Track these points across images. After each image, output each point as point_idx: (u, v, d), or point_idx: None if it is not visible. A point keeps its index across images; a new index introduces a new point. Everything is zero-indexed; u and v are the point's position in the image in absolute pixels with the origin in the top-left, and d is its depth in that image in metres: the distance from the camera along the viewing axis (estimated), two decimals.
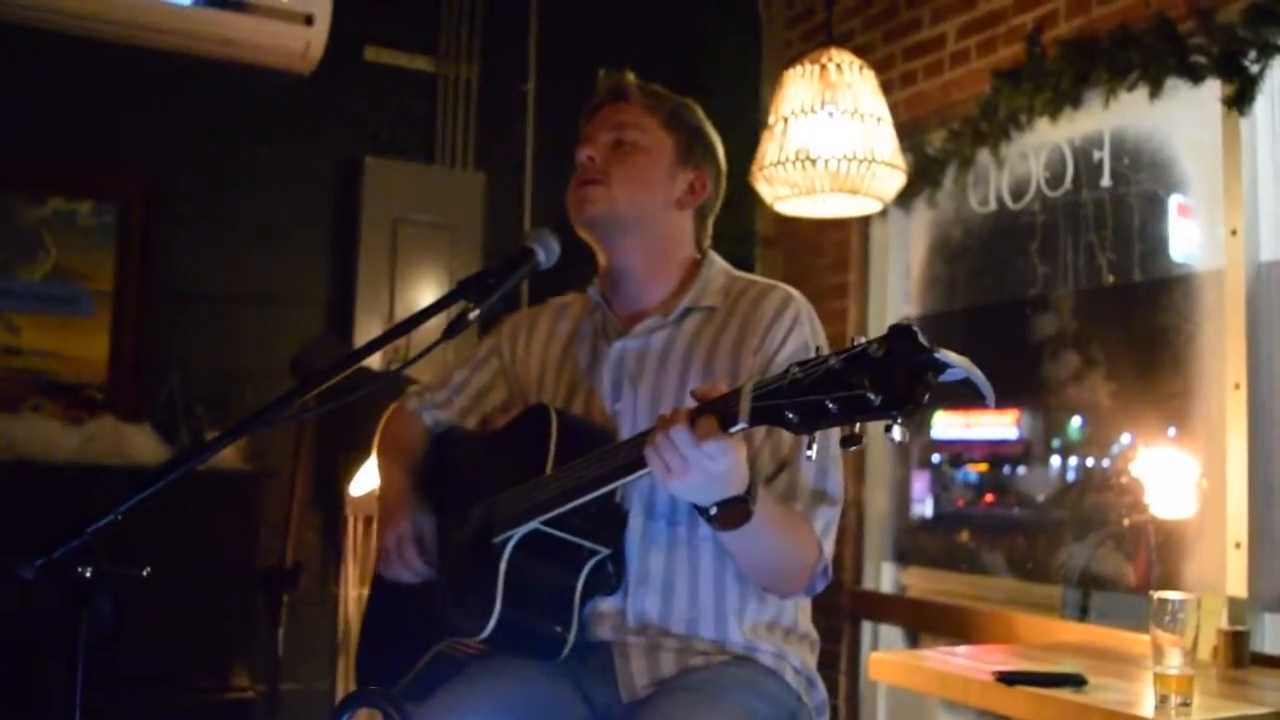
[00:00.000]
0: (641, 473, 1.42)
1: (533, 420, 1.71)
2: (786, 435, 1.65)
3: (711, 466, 1.35)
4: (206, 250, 3.89)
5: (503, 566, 1.60)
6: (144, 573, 1.54)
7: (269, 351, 3.83)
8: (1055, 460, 3.72)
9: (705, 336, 1.78)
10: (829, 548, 1.68)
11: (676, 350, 1.78)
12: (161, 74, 3.78)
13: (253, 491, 3.44)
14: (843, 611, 3.97)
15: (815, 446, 1.24)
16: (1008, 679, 2.32)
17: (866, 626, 3.98)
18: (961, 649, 2.86)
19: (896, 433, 1.13)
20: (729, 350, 1.74)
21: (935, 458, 4.03)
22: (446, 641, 1.76)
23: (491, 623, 1.58)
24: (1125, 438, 3.41)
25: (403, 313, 4.04)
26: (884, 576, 4.01)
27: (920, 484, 4.06)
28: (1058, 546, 3.56)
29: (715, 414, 1.32)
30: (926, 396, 1.11)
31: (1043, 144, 3.51)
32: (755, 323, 1.74)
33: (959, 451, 4.01)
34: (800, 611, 1.82)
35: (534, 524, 1.56)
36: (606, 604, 1.71)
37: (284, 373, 3.68)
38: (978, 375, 1.14)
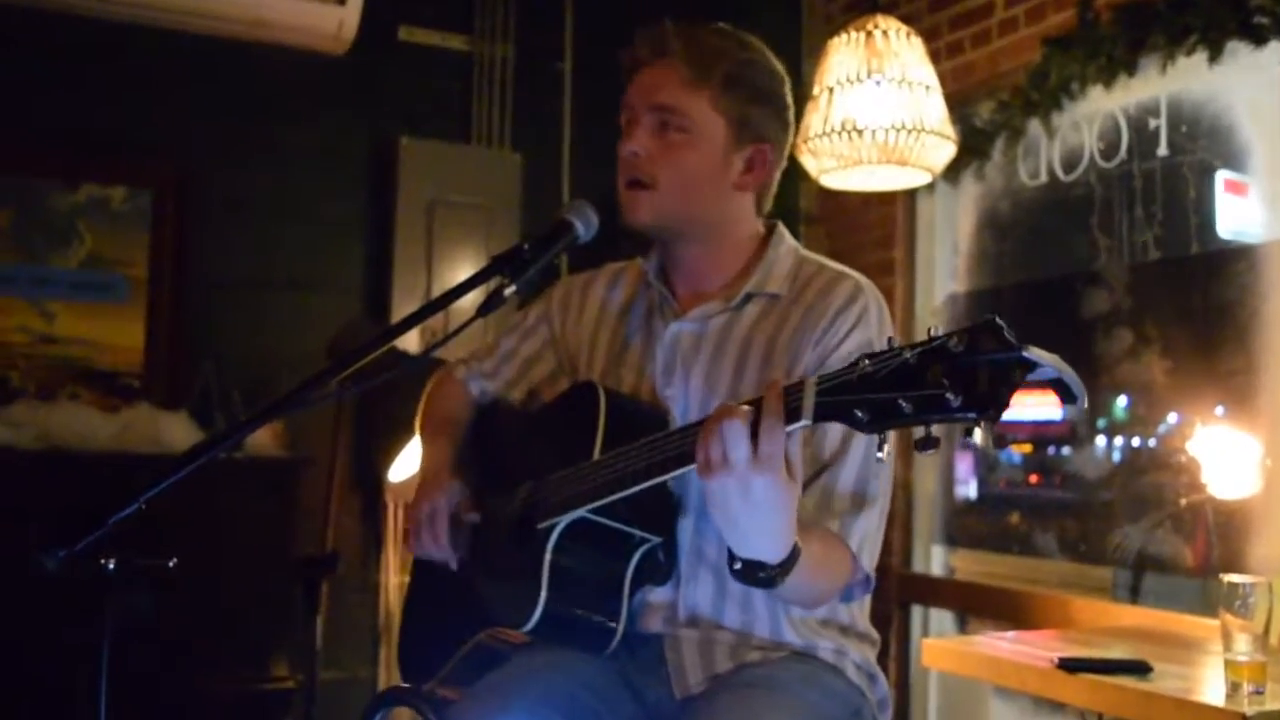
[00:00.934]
0: (693, 465, 1.30)
1: (581, 399, 1.63)
2: (830, 439, 1.56)
3: (755, 479, 1.20)
4: (241, 235, 3.85)
5: (548, 555, 1.52)
6: (170, 564, 1.48)
7: (305, 337, 3.79)
8: (1106, 440, 3.61)
9: (766, 326, 1.67)
10: (870, 558, 1.57)
11: (735, 338, 1.67)
12: (193, 57, 3.74)
13: (290, 477, 3.40)
14: (891, 596, 3.88)
15: (888, 446, 1.15)
16: (1069, 665, 2.23)
17: (916, 611, 3.89)
18: (1015, 634, 2.77)
19: (978, 436, 1.04)
20: (788, 341, 1.63)
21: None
22: (487, 631, 1.69)
23: (537, 613, 1.51)
24: (1180, 416, 3.29)
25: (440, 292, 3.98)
26: (934, 559, 3.92)
27: (964, 465, 3.96)
28: (1111, 528, 3.45)
29: (774, 411, 1.19)
30: (1012, 398, 1.02)
31: (1096, 113, 3.39)
32: (819, 313, 1.62)
33: (1004, 431, 3.90)
34: (859, 610, 1.73)
35: (581, 512, 1.49)
36: (657, 595, 1.63)
37: (321, 359, 3.64)
38: (1070, 375, 1.05)
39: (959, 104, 3.64)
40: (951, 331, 1.06)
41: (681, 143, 1.66)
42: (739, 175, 1.70)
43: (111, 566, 1.42)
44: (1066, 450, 3.72)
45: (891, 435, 1.44)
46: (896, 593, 3.88)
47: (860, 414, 1.11)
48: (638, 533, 1.56)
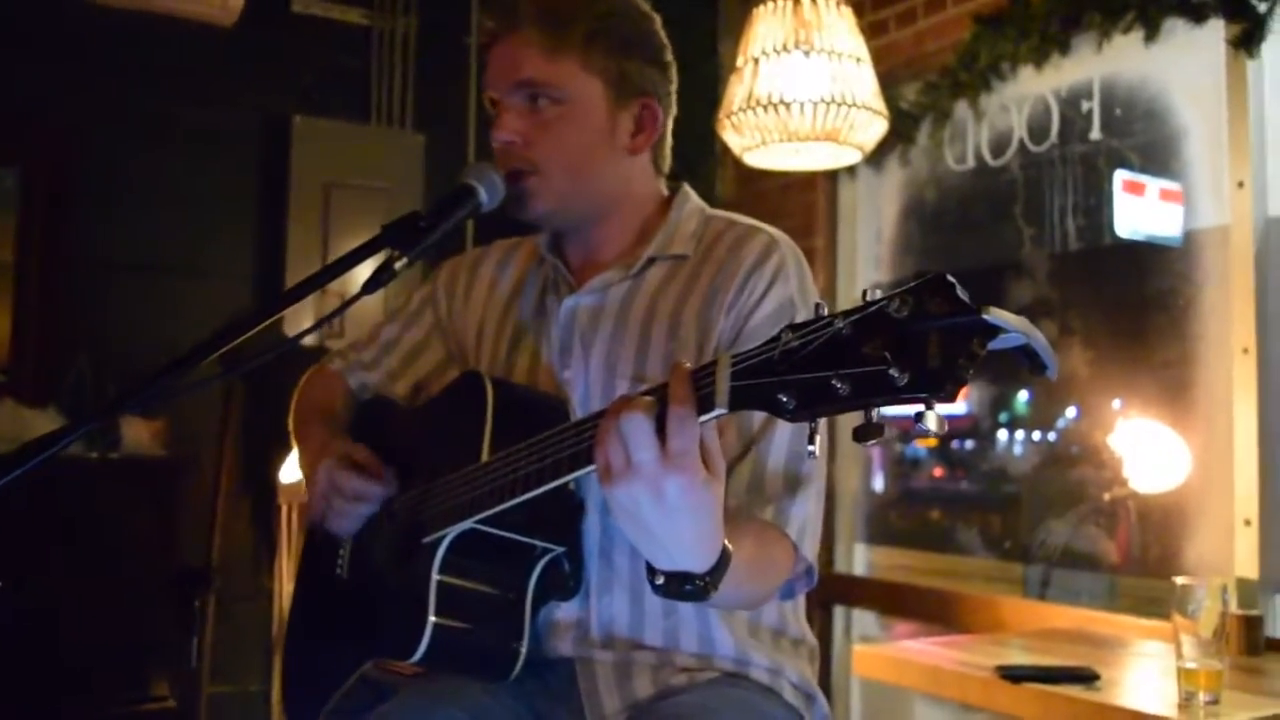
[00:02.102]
0: (591, 468, 1.09)
1: (467, 391, 1.42)
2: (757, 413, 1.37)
3: (666, 482, 0.99)
4: (120, 217, 3.56)
5: (434, 574, 1.32)
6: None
7: (190, 328, 3.47)
8: (1025, 433, 3.52)
9: (672, 290, 1.48)
10: (812, 546, 1.38)
11: (637, 307, 1.48)
12: (68, 24, 3.44)
13: (171, 480, 3.14)
14: (813, 596, 3.72)
15: (819, 439, 0.93)
16: (1012, 675, 2.09)
17: (839, 611, 3.76)
18: (946, 638, 2.64)
19: (931, 422, 0.84)
20: (699, 306, 1.44)
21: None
22: (374, 662, 1.48)
23: (424, 642, 1.30)
24: (1103, 409, 3.21)
25: (337, 284, 3.73)
26: (856, 558, 3.79)
27: (875, 459, 3.85)
28: (1035, 524, 3.36)
29: (682, 399, 0.99)
30: (971, 372, 0.82)
31: (1026, 95, 3.28)
32: (730, 272, 1.43)
33: (905, 428, 3.80)
34: (795, 613, 1.54)
35: (468, 523, 1.28)
36: (566, 612, 1.43)
37: None
38: (1040, 341, 0.85)
39: (884, 85, 3.48)
40: (894, 293, 0.86)
41: (557, 116, 1.46)
42: (629, 138, 1.51)
43: None
44: (990, 444, 3.63)
45: (823, 422, 1.26)
46: (818, 592, 3.73)
47: (785, 399, 0.91)
48: (538, 543, 1.36)
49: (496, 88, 1.48)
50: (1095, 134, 3.12)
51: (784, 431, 1.37)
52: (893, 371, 0.84)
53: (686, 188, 1.59)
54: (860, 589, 3.70)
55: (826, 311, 0.92)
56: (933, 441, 3.76)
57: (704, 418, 0.99)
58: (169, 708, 2.89)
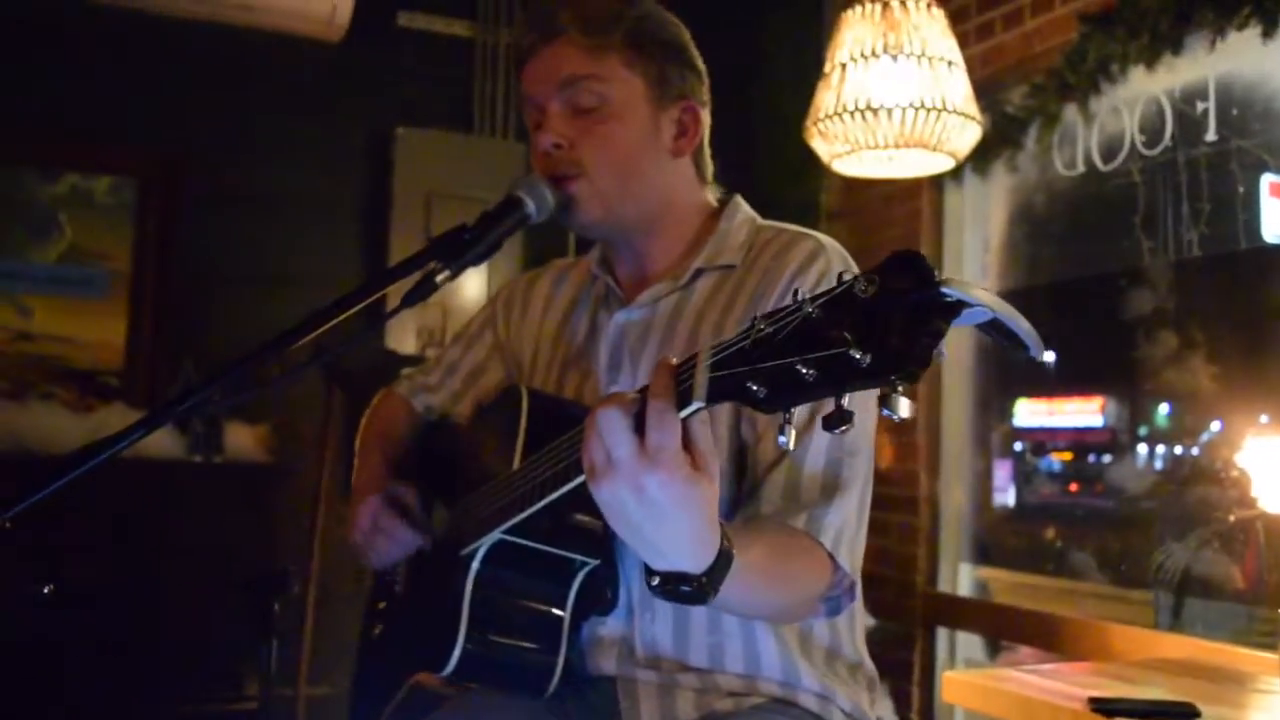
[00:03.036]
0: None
1: (506, 404, 1.41)
2: (799, 410, 1.31)
3: (646, 478, 0.96)
4: (229, 228, 3.67)
5: (468, 587, 1.30)
6: (45, 590, 1.29)
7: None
8: (1147, 450, 3.36)
9: (719, 300, 1.45)
10: (850, 558, 1.33)
11: (685, 319, 1.46)
12: (184, 44, 3.58)
13: (272, 485, 3.21)
14: (916, 616, 3.63)
15: (792, 430, 0.89)
16: (1103, 708, 1.97)
17: (942, 633, 3.64)
18: (1048, 666, 2.52)
19: (903, 407, 0.80)
20: (743, 314, 1.41)
21: (1017, 446, 3.68)
22: (421, 674, 1.47)
23: (455, 656, 1.28)
24: (1228, 425, 3.04)
25: (435, 297, 3.78)
26: (961, 578, 3.66)
27: (1002, 474, 3.72)
28: (1154, 546, 3.19)
29: (661, 392, 0.96)
30: (935, 351, 0.78)
31: (1137, 97, 3.13)
32: (774, 277, 1.40)
33: (1042, 440, 3.66)
34: (850, 634, 1.48)
35: (496, 534, 1.27)
36: (609, 629, 1.40)
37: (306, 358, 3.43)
38: (1012, 317, 0.81)
39: (990, 90, 3.40)
40: (863, 273, 0.82)
41: (602, 118, 1.44)
42: (673, 140, 1.49)
43: None
44: (1109, 460, 3.48)
45: (870, 407, 1.19)
46: (922, 613, 3.63)
47: (755, 388, 0.88)
48: (573, 556, 1.33)
49: (540, 91, 1.46)
50: (1211, 135, 2.96)
51: (819, 437, 1.33)
52: (854, 353, 0.80)
53: (738, 198, 1.56)
54: (964, 611, 3.58)
55: (805, 295, 0.88)
56: (1067, 455, 3.63)
57: (685, 412, 0.96)
58: (248, 709, 2.94)
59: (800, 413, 1.28)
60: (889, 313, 0.80)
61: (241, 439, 3.27)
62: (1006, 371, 3.61)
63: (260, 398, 2.90)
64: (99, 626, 2.77)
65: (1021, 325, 0.82)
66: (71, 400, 3.31)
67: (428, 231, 3.79)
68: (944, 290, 0.78)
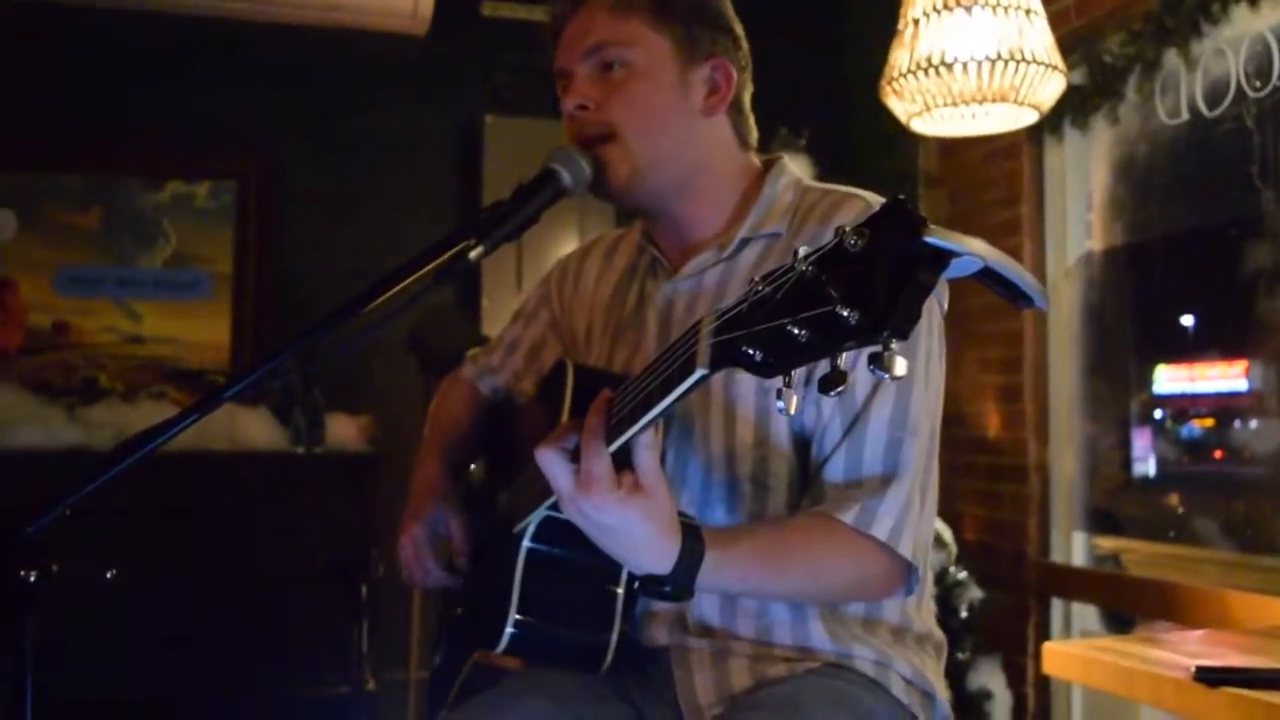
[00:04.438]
0: (633, 433, 1.07)
1: (555, 380, 1.40)
2: (861, 384, 1.29)
3: (583, 504, 1.10)
4: (326, 225, 3.75)
5: (519, 564, 1.30)
6: (109, 574, 1.33)
7: (392, 329, 3.65)
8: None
9: (766, 267, 1.38)
10: (912, 545, 1.29)
11: (733, 288, 1.41)
12: (272, 48, 3.66)
13: (372, 475, 3.27)
14: (1028, 587, 3.52)
15: (792, 394, 0.87)
16: (1209, 677, 1.87)
17: (1057, 605, 3.52)
18: (1160, 636, 2.41)
19: (898, 365, 0.77)
20: None
21: (1158, 413, 3.52)
22: (480, 652, 1.48)
23: (506, 632, 1.28)
24: None
25: (531, 280, 3.81)
26: (1075, 548, 3.54)
27: (1142, 443, 3.56)
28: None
29: (590, 427, 1.09)
30: (921, 304, 0.75)
31: (1242, 35, 2.95)
32: (821, 241, 1.36)
33: (1184, 406, 3.50)
34: (919, 608, 1.44)
35: (543, 510, 1.26)
36: (663, 601, 1.39)
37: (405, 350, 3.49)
38: (1006, 265, 0.77)
39: (1085, 40, 3.27)
40: (855, 226, 0.79)
41: (628, 76, 1.41)
42: (703, 99, 1.45)
43: (33, 579, 1.24)
44: (1253, 425, 3.29)
45: (933, 375, 1.31)
46: (1034, 584, 3.52)
47: (752, 352, 0.86)
48: None
49: (567, 60, 1.46)
50: None
51: (878, 418, 1.29)
52: (841, 310, 0.77)
53: (784, 160, 1.51)
54: (1077, 580, 3.46)
55: (803, 253, 0.85)
56: (1210, 421, 3.48)
57: (689, 381, 0.96)
58: (338, 693, 3.00)
59: (864, 385, 1.26)
60: (876, 267, 0.77)
61: (343, 429, 3.34)
62: (1137, 336, 3.47)
63: (326, 368, 2.95)
64: (202, 612, 2.86)
65: (1018, 273, 0.78)
66: (182, 399, 3.43)
67: None
68: (926, 240, 0.75)
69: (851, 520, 1.26)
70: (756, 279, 0.88)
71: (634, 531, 1.11)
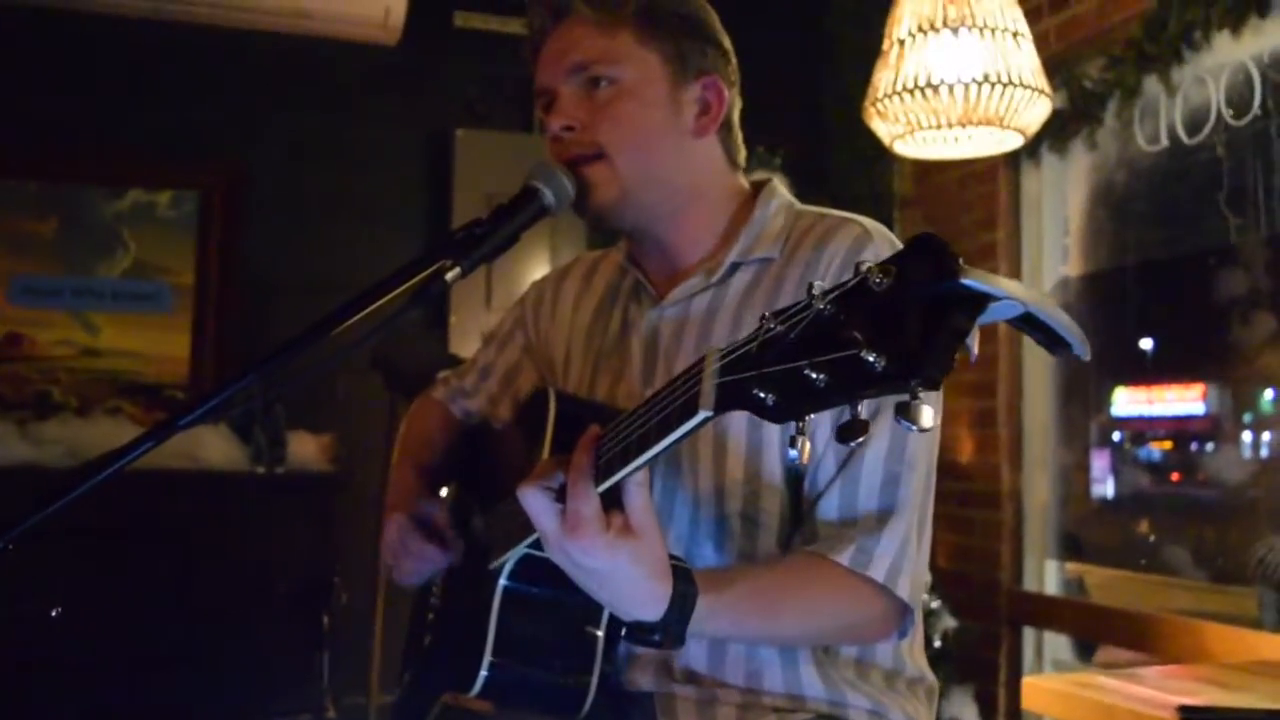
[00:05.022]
0: (620, 476, 1.02)
1: (535, 408, 1.33)
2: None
3: (569, 547, 1.03)
4: (291, 237, 3.67)
5: (495, 603, 1.23)
6: (54, 613, 1.25)
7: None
8: (1250, 437, 3.17)
9: (758, 297, 1.35)
10: (909, 585, 1.24)
11: (722, 316, 1.35)
12: (239, 54, 3.58)
13: (334, 495, 3.18)
14: (1000, 615, 3.49)
15: (805, 442, 0.80)
16: (1192, 718, 1.83)
17: (1029, 633, 3.49)
18: (1137, 671, 2.37)
19: (925, 417, 0.71)
20: None
21: (1116, 436, 3.52)
22: (450, 694, 1.40)
23: (481, 675, 1.21)
24: None
25: (501, 299, 3.74)
26: (1048, 576, 3.51)
27: (1100, 464, 3.55)
28: (1255, 540, 3.01)
29: (578, 465, 1.01)
30: (956, 351, 0.70)
31: (1223, 65, 2.94)
32: (817, 269, 1.30)
33: (1141, 429, 3.49)
34: (911, 650, 1.38)
35: (522, 548, 1.19)
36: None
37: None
38: (1049, 311, 0.72)
39: (1065, 64, 3.25)
40: (879, 263, 0.73)
41: (616, 95, 1.34)
42: (694, 119, 1.38)
43: None
44: (1210, 449, 3.29)
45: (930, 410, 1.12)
46: (1007, 612, 3.48)
47: (763, 395, 0.80)
48: None
49: (550, 78, 1.37)
50: None
51: (876, 455, 1.23)
52: (866, 355, 0.71)
53: (775, 182, 1.45)
54: (1051, 610, 3.42)
55: (820, 289, 0.79)
56: (1167, 444, 3.47)
57: (692, 423, 0.89)
58: None
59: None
60: (905, 308, 0.71)
61: (305, 448, 3.25)
62: (1101, 360, 3.45)
63: (301, 397, 2.87)
64: (160, 638, 2.76)
65: (1060, 319, 0.72)
66: (138, 415, 3.33)
67: None
68: (965, 282, 0.69)
69: (848, 561, 1.20)
70: (767, 315, 0.81)
71: (623, 576, 1.04)
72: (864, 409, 0.76)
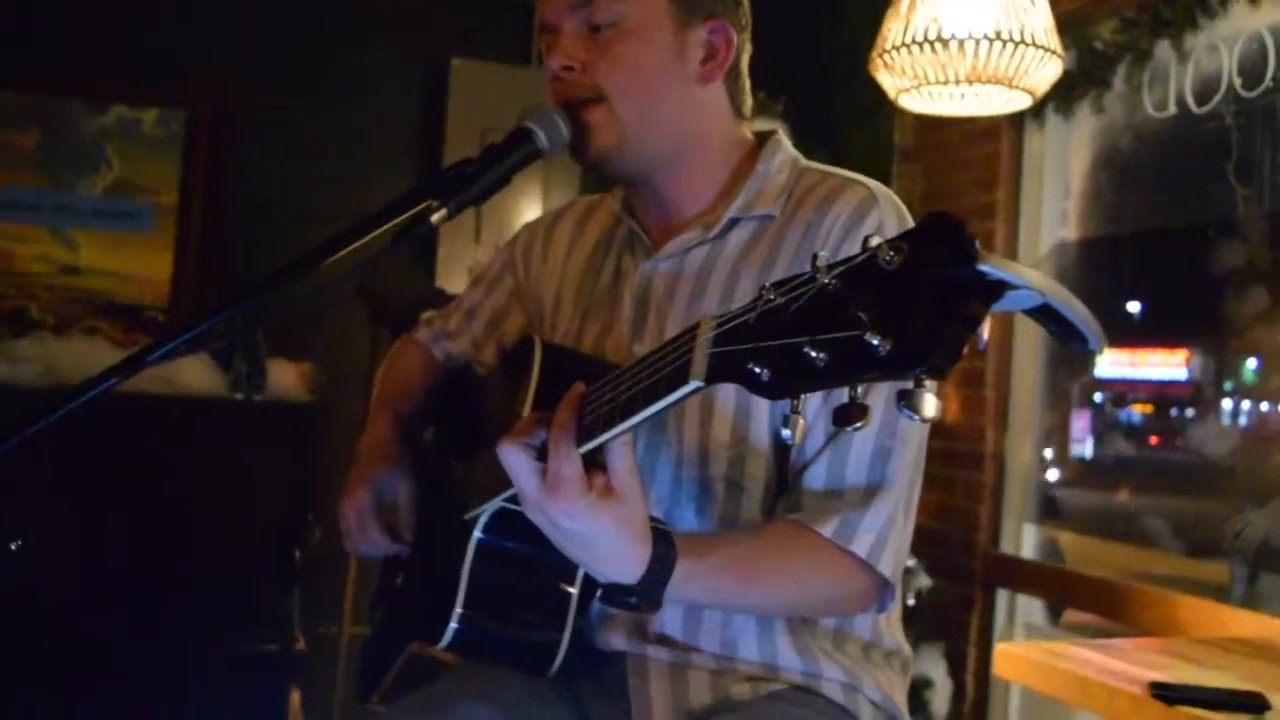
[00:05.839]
0: (611, 434, 0.98)
1: (520, 357, 1.30)
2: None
3: (549, 508, 1.01)
4: (279, 162, 3.59)
5: (468, 556, 1.20)
6: (12, 546, 1.21)
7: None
8: (1232, 407, 3.16)
9: (756, 255, 1.30)
10: (892, 561, 1.21)
11: (717, 274, 1.31)
12: None
13: (315, 425, 3.14)
14: (975, 577, 3.49)
15: (799, 421, 0.78)
16: (1165, 695, 1.83)
17: (1003, 595, 3.49)
18: (1110, 642, 2.37)
19: (928, 406, 0.68)
20: (784, 272, 1.26)
21: (1097, 397, 3.51)
22: (417, 644, 1.38)
23: (450, 627, 1.19)
24: None
25: (491, 234, 3.69)
26: (1025, 539, 3.51)
27: (1080, 425, 3.55)
28: (1231, 512, 3.00)
29: (561, 424, 0.99)
30: (966, 341, 0.66)
31: (1238, 32, 2.88)
32: (821, 231, 1.26)
33: (1123, 391, 3.49)
34: (886, 621, 1.36)
35: (498, 502, 1.16)
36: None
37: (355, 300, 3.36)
38: (1068, 303, 0.68)
39: (1076, 24, 3.18)
40: (890, 239, 0.69)
41: (620, 36, 1.29)
42: (700, 64, 1.33)
43: None
44: (1191, 418, 3.28)
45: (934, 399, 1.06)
46: (982, 574, 3.48)
47: (758, 370, 0.77)
48: None
49: (552, 13, 1.32)
50: None
51: (868, 428, 1.19)
52: (871, 337, 0.68)
53: (779, 135, 1.40)
54: (1026, 573, 3.42)
55: (825, 260, 0.75)
56: (1148, 408, 3.47)
57: (682, 391, 0.86)
58: (268, 651, 2.89)
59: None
60: (916, 291, 0.67)
61: (285, 376, 3.20)
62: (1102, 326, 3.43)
63: (282, 324, 2.84)
64: (127, 567, 2.74)
65: (1078, 312, 0.69)
66: (116, 336, 3.27)
67: None
68: (983, 268, 0.65)
69: (831, 533, 1.18)
70: (767, 286, 0.78)
71: (603, 539, 1.02)
72: (862, 389, 0.72)
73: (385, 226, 1.26)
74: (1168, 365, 3.40)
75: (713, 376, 0.82)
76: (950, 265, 0.66)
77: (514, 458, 1.02)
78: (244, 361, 3.14)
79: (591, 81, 1.29)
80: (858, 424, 0.73)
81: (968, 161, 3.66)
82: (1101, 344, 0.71)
